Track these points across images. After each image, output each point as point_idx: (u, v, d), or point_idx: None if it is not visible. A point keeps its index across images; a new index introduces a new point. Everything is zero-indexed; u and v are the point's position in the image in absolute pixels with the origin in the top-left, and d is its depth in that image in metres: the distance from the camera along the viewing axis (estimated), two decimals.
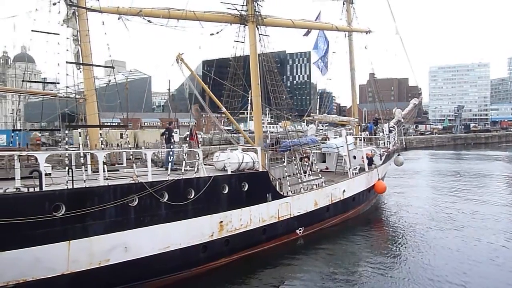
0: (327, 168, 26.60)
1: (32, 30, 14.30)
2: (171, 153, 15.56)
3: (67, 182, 11.00)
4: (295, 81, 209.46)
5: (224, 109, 21.64)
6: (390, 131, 32.04)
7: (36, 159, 11.13)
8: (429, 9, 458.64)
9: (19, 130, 15.45)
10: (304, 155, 22.59)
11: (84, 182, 11.27)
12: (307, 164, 21.68)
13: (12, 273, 9.98)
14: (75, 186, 11.06)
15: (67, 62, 13.05)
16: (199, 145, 17.68)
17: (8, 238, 9.73)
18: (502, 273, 14.35)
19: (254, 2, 21.14)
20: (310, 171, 21.30)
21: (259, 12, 21.26)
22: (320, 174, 21.67)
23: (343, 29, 29.16)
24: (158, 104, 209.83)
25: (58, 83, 17.13)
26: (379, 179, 25.94)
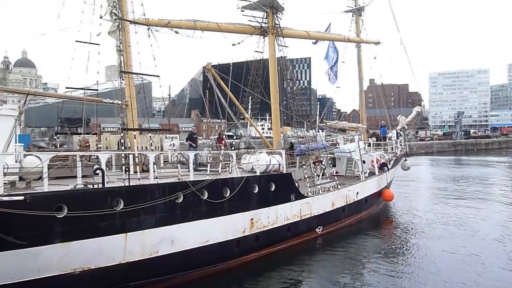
0: (337, 172, 27.84)
1: (76, 41, 15.57)
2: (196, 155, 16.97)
3: (124, 180, 12.21)
4: (295, 87, 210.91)
5: (246, 115, 22.95)
6: (397, 137, 33.52)
7: (97, 158, 12.34)
8: (428, 15, 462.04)
9: (64, 133, 16.58)
10: (317, 159, 23.77)
11: (139, 180, 12.47)
12: (320, 167, 22.82)
13: (79, 261, 11.12)
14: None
15: (120, 72, 14.26)
16: (232, 148, 18.93)
17: (77, 229, 10.89)
18: None
19: (274, 15, 22.49)
20: (327, 174, 22.52)
21: (279, 24, 22.55)
22: (336, 177, 22.90)
23: (355, 40, 30.62)
24: (158, 109, 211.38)
25: (97, 90, 18.45)
26: (386, 188, 27.22)
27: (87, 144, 16.64)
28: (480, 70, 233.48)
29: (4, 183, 10.08)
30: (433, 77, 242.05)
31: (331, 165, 28.32)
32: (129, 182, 12.13)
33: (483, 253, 17.14)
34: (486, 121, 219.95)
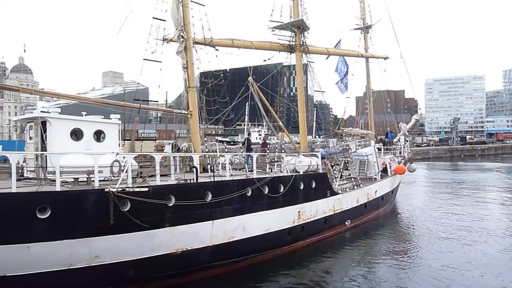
0: (349, 175, 30.73)
1: (144, 59, 18.55)
2: (250, 157, 19.87)
3: (209, 177, 15.09)
4: (292, 93, 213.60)
5: (280, 123, 25.83)
6: (404, 142, 36.87)
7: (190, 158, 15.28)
8: (424, 21, 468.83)
9: (128, 140, 19.32)
10: (335, 163, 26.36)
11: (220, 177, 15.32)
12: (338, 170, 25.38)
13: (180, 242, 13.81)
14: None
15: (189, 87, 17.25)
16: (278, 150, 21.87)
17: (180, 216, 13.60)
18: None
19: (301, 34, 25.57)
20: (351, 174, 25.47)
21: (305, 42, 25.61)
22: (358, 178, 25.87)
23: (367, 56, 34.16)
24: (155, 115, 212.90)
25: (157, 101, 21.35)
26: (398, 163, 30.43)
27: (163, 148, 19.46)
28: (476, 76, 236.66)
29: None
30: (429, 83, 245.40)
31: (346, 168, 31.38)
32: (213, 178, 14.98)
33: (487, 249, 19.23)
34: (482, 127, 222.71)
